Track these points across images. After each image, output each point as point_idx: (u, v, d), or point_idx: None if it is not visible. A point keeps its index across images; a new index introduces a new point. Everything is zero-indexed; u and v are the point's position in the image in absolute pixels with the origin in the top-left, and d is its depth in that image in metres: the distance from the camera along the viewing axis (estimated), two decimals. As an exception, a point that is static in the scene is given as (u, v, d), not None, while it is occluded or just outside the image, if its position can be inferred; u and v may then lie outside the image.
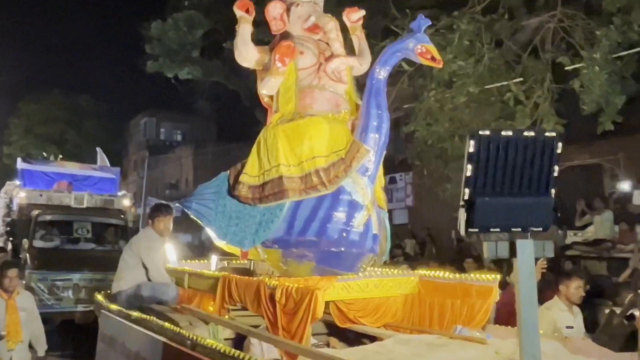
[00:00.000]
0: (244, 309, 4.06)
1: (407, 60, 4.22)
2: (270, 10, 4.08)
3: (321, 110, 3.92)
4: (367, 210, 3.76)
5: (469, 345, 3.19)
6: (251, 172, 3.94)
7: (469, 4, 9.60)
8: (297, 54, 3.94)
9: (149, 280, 4.82)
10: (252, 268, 4.55)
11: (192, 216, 4.07)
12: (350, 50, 4.27)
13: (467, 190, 2.21)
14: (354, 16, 4.30)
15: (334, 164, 3.72)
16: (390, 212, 5.15)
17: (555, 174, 2.31)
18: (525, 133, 2.26)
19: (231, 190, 3.96)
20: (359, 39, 4.33)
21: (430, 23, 3.74)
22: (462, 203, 2.22)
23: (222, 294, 3.85)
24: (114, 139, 35.48)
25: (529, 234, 2.26)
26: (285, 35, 4.09)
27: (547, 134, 2.32)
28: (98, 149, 12.57)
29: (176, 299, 4.63)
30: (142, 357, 3.75)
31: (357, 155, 3.69)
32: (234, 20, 4.16)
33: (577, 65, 9.00)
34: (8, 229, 10.33)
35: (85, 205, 10.35)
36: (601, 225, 10.51)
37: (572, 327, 4.50)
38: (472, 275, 3.66)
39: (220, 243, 4.01)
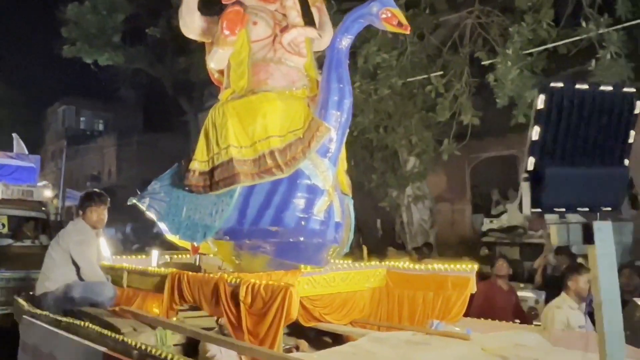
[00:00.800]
0: (193, 309, 3.42)
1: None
2: (219, -24, 3.47)
3: (277, 85, 3.38)
4: (329, 196, 3.27)
5: (451, 342, 2.79)
6: (200, 158, 3.35)
7: (392, -3, 9.33)
8: (247, 21, 3.38)
9: (81, 279, 3.98)
10: (197, 263, 3.85)
11: (147, 213, 3.45)
12: (310, 24, 3.72)
13: (532, 159, 1.68)
14: None
15: (291, 144, 3.20)
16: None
17: (631, 140, 1.80)
18: (603, 87, 1.74)
19: (183, 180, 3.33)
20: (319, 10, 3.82)
21: None
22: (524, 175, 1.68)
23: (170, 294, 3.21)
24: (30, 128, 32.29)
25: (597, 214, 1.74)
26: (238, 5, 3.47)
27: (625, 89, 1.79)
28: (14, 135, 11.09)
29: (113, 300, 3.85)
30: (76, 370, 3.02)
31: (317, 135, 3.18)
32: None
33: (492, 61, 9.01)
34: None
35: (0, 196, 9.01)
36: (514, 213, 10.56)
37: (584, 327, 3.65)
38: (447, 265, 3.23)
39: (173, 238, 3.41)
